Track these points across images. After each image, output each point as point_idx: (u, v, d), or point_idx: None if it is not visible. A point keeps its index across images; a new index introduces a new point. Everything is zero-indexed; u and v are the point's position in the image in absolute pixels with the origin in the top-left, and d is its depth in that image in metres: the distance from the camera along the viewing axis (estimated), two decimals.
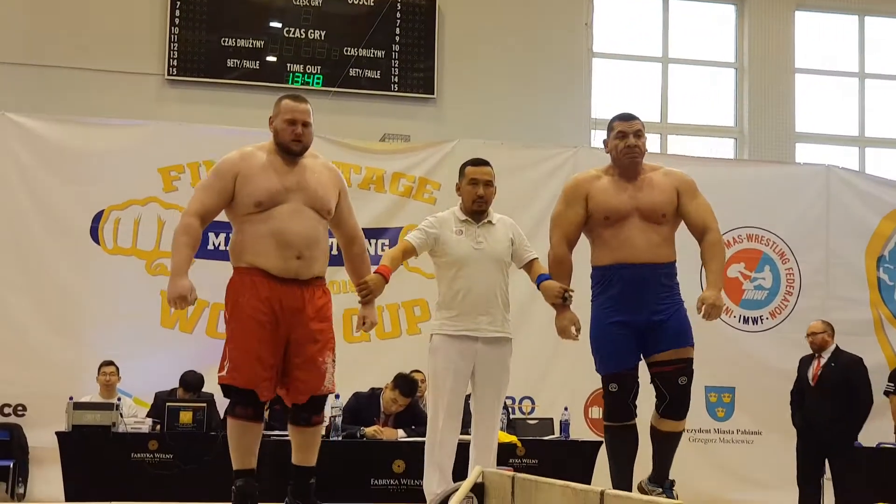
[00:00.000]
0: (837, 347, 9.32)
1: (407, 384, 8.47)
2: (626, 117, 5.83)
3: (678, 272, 5.78)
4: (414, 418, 8.38)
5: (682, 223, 5.86)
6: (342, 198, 5.44)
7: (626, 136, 5.73)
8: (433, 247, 5.94)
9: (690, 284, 10.29)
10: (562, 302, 5.70)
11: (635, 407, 5.71)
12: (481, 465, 5.66)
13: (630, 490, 5.58)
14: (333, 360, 5.34)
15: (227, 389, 5.14)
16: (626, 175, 5.75)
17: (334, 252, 10.13)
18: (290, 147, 5.24)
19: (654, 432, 5.75)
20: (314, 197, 5.23)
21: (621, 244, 5.66)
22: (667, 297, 5.64)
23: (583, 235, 5.90)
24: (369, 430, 8.16)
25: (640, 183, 5.73)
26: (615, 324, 5.64)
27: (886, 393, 10.16)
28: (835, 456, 9.15)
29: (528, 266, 6.02)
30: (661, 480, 5.78)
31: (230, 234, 9.60)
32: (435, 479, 5.83)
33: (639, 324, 5.61)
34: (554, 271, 5.79)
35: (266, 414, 8.78)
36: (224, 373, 5.06)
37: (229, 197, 5.17)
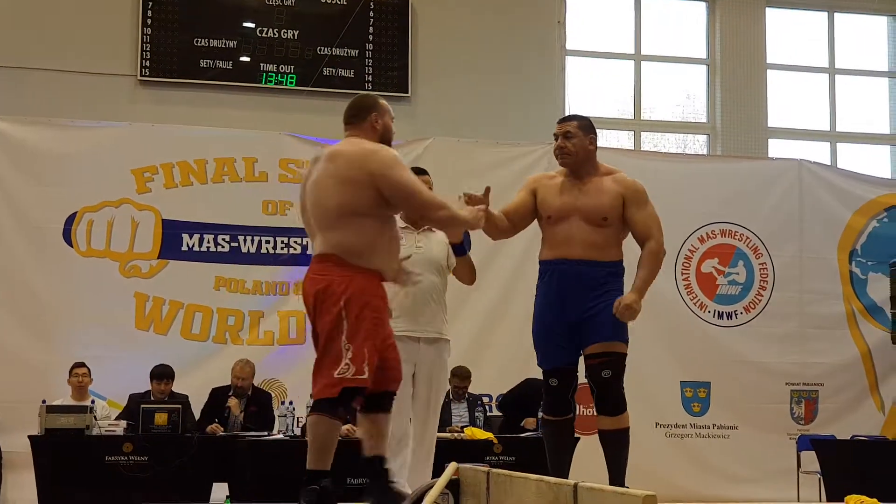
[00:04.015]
0: None
1: None
2: (561, 119, 6.01)
3: None
4: None
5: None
6: None
7: (556, 137, 5.89)
8: None
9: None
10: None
11: (574, 402, 5.79)
12: (419, 465, 5.79)
13: None
14: None
15: (352, 391, 4.91)
16: (575, 176, 5.87)
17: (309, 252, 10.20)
18: None
19: (599, 434, 5.76)
20: None
21: (561, 242, 5.77)
22: (602, 295, 5.68)
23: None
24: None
25: (588, 185, 5.83)
26: (552, 318, 5.74)
27: None
28: None
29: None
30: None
31: (204, 235, 9.86)
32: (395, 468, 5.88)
33: (572, 318, 5.68)
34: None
35: (242, 416, 8.83)
36: (365, 375, 4.86)
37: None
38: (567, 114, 12.38)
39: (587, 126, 5.91)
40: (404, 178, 5.01)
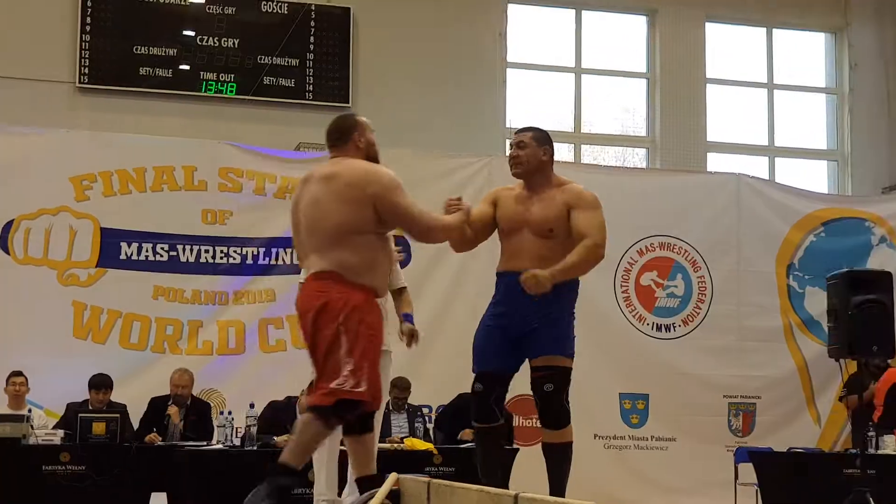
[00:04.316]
0: None
1: None
2: (518, 129, 6.00)
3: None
4: None
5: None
6: None
7: (512, 146, 5.93)
8: None
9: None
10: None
11: (500, 410, 5.75)
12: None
13: None
14: None
15: (348, 403, 4.98)
16: (530, 187, 5.85)
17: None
18: None
19: (542, 446, 5.73)
20: None
21: (511, 254, 5.78)
22: (546, 307, 5.61)
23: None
24: (280, 440, 8.09)
25: (539, 197, 5.80)
26: (491, 326, 5.74)
27: (841, 398, 10.40)
28: None
29: (398, 293, 6.45)
30: None
31: (143, 244, 9.76)
32: (322, 481, 6.16)
33: (514, 330, 5.66)
34: None
35: (182, 425, 8.75)
36: (363, 389, 4.94)
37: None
38: (508, 126, 12.55)
39: (542, 138, 5.89)
40: (404, 203, 5.14)
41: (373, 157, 5.29)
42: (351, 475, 6.14)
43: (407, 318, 6.29)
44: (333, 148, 5.35)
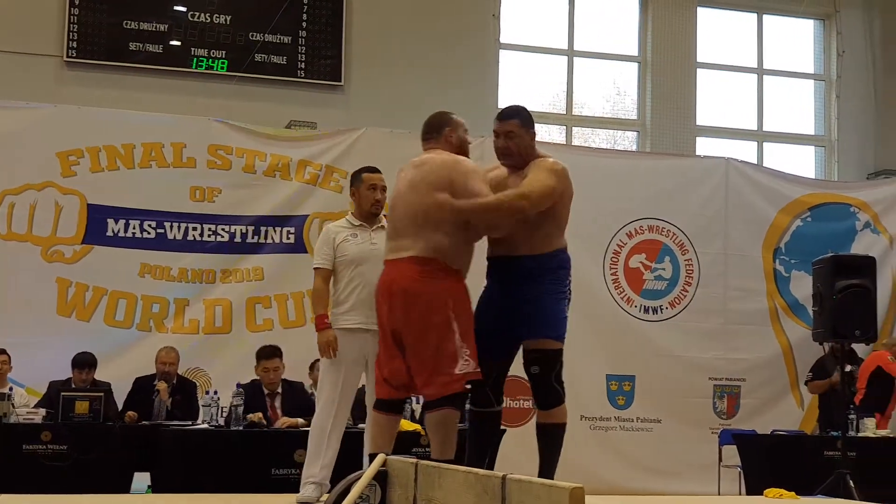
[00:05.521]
0: None
1: (263, 349, 8.66)
2: (500, 116, 5.72)
3: None
4: (306, 404, 8.27)
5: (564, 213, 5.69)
6: None
7: (497, 136, 5.67)
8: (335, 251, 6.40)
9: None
10: None
11: (498, 396, 5.73)
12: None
13: None
14: None
15: (473, 384, 5.43)
16: (514, 169, 5.67)
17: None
18: None
19: (536, 426, 5.74)
20: None
21: (498, 238, 5.64)
22: (532, 288, 5.54)
23: None
24: (252, 417, 8.08)
25: (518, 175, 5.59)
26: (481, 310, 5.63)
27: (806, 382, 10.47)
28: None
29: None
30: None
31: (130, 221, 9.71)
32: (317, 466, 6.20)
33: (504, 314, 5.59)
34: None
35: (170, 402, 8.72)
36: (471, 369, 5.34)
37: None
38: (501, 107, 12.49)
39: (527, 120, 5.68)
40: (476, 188, 5.35)
41: (464, 154, 5.55)
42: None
43: None
44: (426, 141, 5.65)
